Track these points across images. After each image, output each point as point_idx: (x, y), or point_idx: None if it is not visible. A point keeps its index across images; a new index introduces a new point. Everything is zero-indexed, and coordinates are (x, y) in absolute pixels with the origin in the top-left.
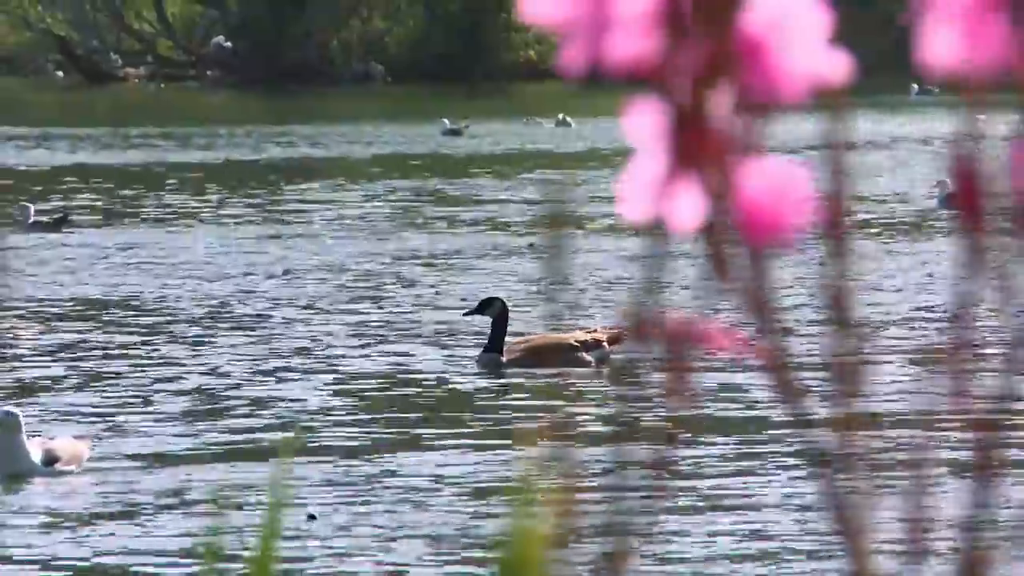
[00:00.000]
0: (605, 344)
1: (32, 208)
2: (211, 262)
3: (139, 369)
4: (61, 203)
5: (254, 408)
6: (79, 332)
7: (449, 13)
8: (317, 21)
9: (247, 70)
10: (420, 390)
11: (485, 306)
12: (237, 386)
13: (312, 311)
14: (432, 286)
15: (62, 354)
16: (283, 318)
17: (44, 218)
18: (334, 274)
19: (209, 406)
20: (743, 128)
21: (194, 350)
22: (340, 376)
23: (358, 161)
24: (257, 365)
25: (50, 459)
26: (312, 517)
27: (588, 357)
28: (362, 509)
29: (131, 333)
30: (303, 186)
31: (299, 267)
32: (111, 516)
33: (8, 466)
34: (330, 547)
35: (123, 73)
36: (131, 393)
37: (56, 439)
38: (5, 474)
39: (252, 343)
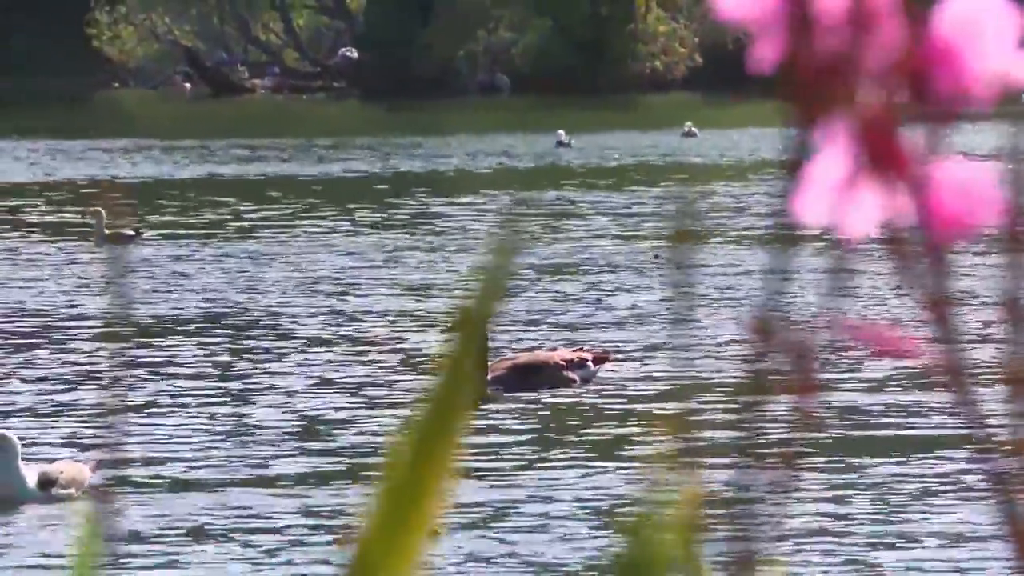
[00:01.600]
0: (590, 363)
1: (104, 217)
2: (332, 276)
3: (234, 387)
4: (178, 215)
5: (350, 429)
6: (171, 348)
7: (575, 24)
8: (443, 32)
9: (373, 81)
10: (538, 407)
11: None
12: (341, 406)
13: (428, 326)
14: (552, 298)
15: (159, 371)
16: (399, 335)
17: (122, 229)
18: (448, 287)
19: (294, 426)
20: (929, 132)
21: (300, 367)
22: None
23: (474, 173)
24: (371, 380)
25: (46, 483)
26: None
27: (573, 376)
28: (484, 528)
29: (236, 348)
30: (425, 199)
31: (419, 281)
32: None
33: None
34: (454, 567)
35: (250, 84)
36: (223, 412)
37: (56, 463)
38: None
39: (367, 360)
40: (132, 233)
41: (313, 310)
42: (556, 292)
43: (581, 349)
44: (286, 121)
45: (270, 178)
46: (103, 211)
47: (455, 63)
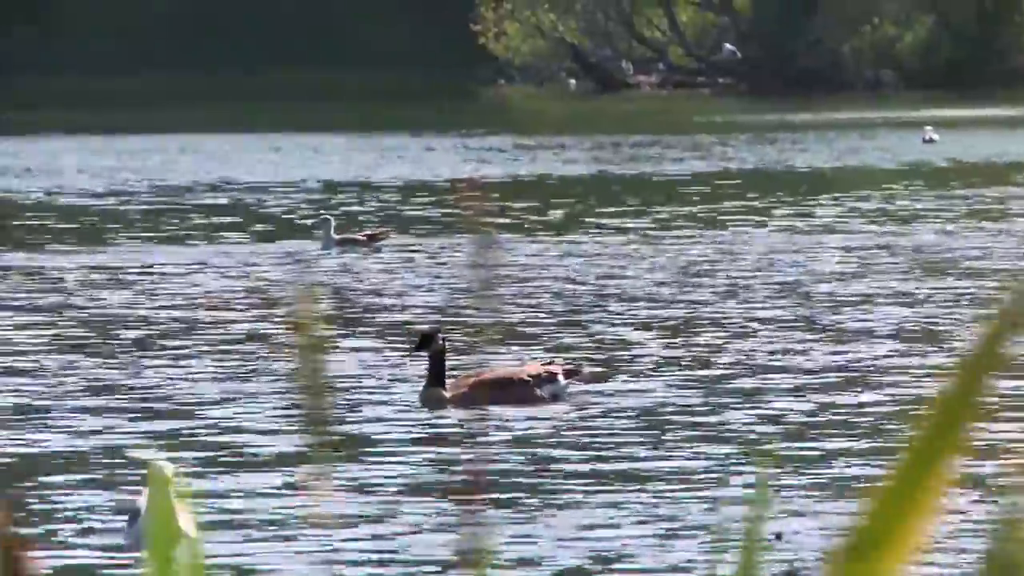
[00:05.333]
0: (560, 378)
1: (333, 222)
2: (709, 271)
3: None
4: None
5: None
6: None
7: (960, 18)
8: (828, 28)
9: (757, 77)
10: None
11: (424, 342)
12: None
13: (785, 324)
14: (906, 305)
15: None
16: (779, 339)
17: (353, 234)
18: (831, 290)
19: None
20: None
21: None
22: (779, 405)
23: (843, 170)
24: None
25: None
26: (779, 536)
27: (541, 392)
28: (821, 527)
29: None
30: (801, 195)
31: (808, 282)
32: None
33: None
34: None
35: (634, 80)
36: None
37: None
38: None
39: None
40: (364, 238)
41: (685, 304)
42: (905, 296)
43: (552, 363)
44: (671, 117)
45: (655, 175)
46: (331, 218)
47: (841, 58)
